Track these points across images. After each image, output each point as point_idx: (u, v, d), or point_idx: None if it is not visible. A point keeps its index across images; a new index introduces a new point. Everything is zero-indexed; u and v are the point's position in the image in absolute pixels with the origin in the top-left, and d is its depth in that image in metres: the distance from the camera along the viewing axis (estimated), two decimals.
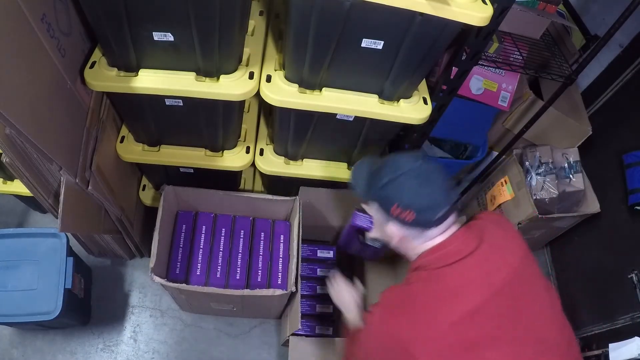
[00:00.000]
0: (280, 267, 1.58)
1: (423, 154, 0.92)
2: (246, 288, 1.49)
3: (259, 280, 1.61)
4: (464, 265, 0.84)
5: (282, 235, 1.65)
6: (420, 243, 0.90)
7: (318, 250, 1.69)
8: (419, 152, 0.94)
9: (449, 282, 0.83)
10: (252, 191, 1.67)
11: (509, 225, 0.98)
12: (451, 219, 0.89)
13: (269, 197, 1.52)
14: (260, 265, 1.59)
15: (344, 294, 1.16)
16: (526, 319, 0.83)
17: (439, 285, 0.83)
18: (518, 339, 0.82)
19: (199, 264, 1.52)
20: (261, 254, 1.60)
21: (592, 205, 1.82)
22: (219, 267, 1.53)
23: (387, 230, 0.92)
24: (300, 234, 1.44)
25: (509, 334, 0.81)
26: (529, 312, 0.84)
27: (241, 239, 1.60)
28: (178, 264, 1.51)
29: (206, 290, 1.32)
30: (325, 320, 1.57)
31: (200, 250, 1.55)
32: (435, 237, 0.89)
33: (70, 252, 1.41)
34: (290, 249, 1.52)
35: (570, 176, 1.80)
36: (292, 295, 1.39)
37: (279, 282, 1.58)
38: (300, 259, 1.43)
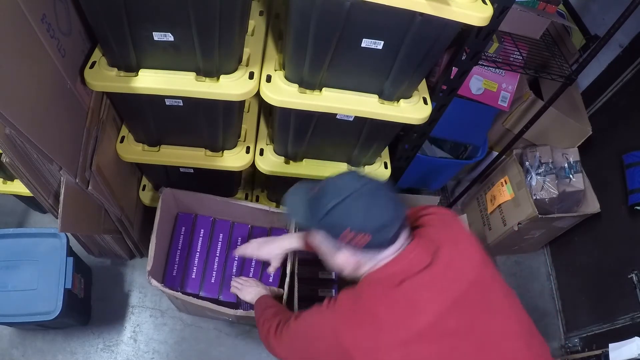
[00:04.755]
0: (271, 280, 1.58)
1: (362, 172, 0.88)
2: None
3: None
4: (416, 282, 0.81)
5: None
6: (374, 264, 0.85)
7: None
8: (359, 171, 0.90)
9: (402, 301, 0.80)
10: (250, 198, 1.67)
11: (460, 227, 0.93)
12: (404, 234, 0.85)
13: (266, 208, 1.51)
14: (252, 263, 1.57)
15: (250, 290, 1.25)
16: (482, 332, 0.81)
17: (392, 303, 0.80)
18: (470, 355, 0.79)
19: (194, 268, 1.52)
20: (252, 266, 1.58)
21: (592, 205, 1.82)
22: (214, 273, 1.52)
23: (337, 260, 0.87)
24: (296, 256, 1.42)
25: (461, 352, 0.79)
26: (486, 325, 0.81)
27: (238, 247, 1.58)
28: (175, 265, 1.51)
29: (202, 304, 1.32)
30: None
31: (197, 253, 1.54)
32: (390, 256, 0.84)
33: (70, 252, 1.41)
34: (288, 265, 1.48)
35: (570, 176, 1.81)
36: (290, 299, 1.39)
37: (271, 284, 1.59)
38: (296, 280, 1.41)
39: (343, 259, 0.86)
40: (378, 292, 0.82)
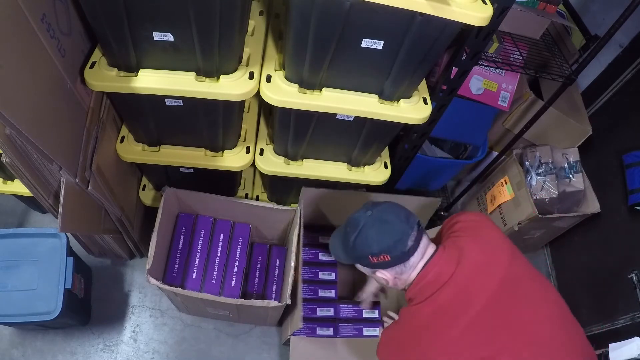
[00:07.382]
0: (275, 278, 1.60)
1: (370, 203, 1.04)
2: (241, 296, 1.48)
3: (255, 288, 1.61)
4: (444, 293, 0.92)
5: (277, 259, 1.68)
6: (409, 274, 0.99)
7: (320, 254, 1.68)
8: (367, 203, 1.05)
9: (429, 316, 0.93)
10: (251, 197, 1.68)
11: (487, 226, 1.05)
12: (424, 240, 0.99)
13: (270, 205, 1.51)
14: (257, 273, 1.62)
15: None
16: (518, 326, 0.89)
17: (421, 322, 0.94)
18: (509, 349, 0.87)
19: (195, 268, 1.52)
20: (259, 262, 1.64)
21: (592, 205, 1.82)
22: (215, 273, 1.52)
23: (378, 278, 1.04)
24: (301, 246, 1.43)
25: (496, 348, 0.87)
26: (522, 319, 0.90)
27: (239, 246, 1.58)
28: (176, 266, 1.50)
29: (201, 296, 1.31)
30: (326, 321, 1.57)
31: (198, 254, 1.54)
32: (418, 263, 0.98)
33: (70, 252, 1.41)
34: (287, 261, 1.51)
35: (570, 176, 1.80)
36: (293, 296, 1.39)
37: (274, 292, 1.60)
38: (300, 273, 1.41)
39: (380, 277, 1.02)
40: (411, 314, 0.98)
